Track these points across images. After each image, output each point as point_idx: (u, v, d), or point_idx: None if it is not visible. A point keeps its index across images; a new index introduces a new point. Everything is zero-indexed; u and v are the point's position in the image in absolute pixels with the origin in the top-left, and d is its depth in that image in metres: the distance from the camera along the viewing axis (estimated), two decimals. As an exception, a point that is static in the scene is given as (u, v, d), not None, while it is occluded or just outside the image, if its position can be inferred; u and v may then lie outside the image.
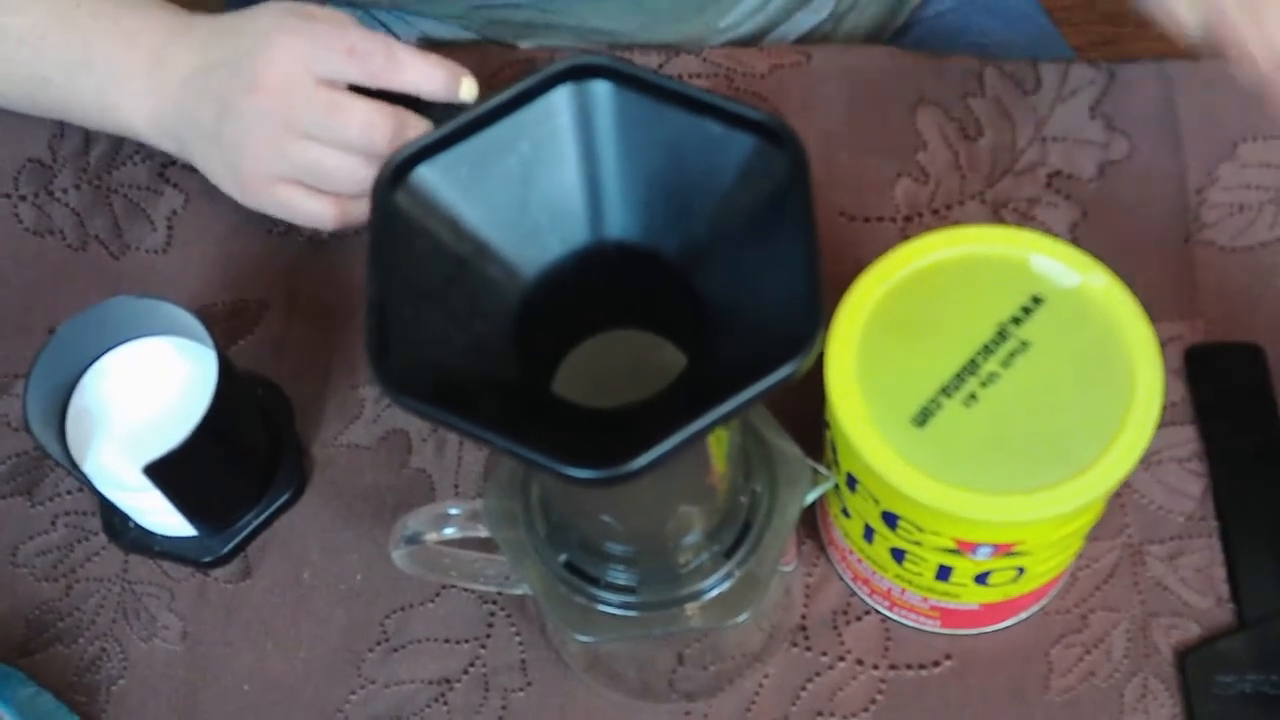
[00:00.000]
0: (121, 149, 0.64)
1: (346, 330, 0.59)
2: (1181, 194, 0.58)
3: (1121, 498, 0.53)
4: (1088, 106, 0.60)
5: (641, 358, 0.38)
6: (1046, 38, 0.74)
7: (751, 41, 0.69)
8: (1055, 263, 0.44)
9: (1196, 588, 0.52)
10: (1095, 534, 0.52)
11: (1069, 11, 1.29)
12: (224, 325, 0.59)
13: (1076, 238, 0.58)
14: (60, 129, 0.65)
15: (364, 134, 0.52)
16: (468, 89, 0.53)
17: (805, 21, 0.70)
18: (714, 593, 0.43)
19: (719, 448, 0.40)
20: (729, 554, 0.43)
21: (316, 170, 0.53)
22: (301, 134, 0.52)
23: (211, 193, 0.60)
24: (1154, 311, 0.56)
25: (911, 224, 0.59)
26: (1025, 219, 0.58)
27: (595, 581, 0.43)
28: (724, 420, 0.31)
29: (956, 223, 0.58)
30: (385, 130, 0.52)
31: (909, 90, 0.61)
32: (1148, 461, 0.54)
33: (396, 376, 0.31)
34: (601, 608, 0.44)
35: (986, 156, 0.60)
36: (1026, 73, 0.61)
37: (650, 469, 0.31)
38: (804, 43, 0.71)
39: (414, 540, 0.47)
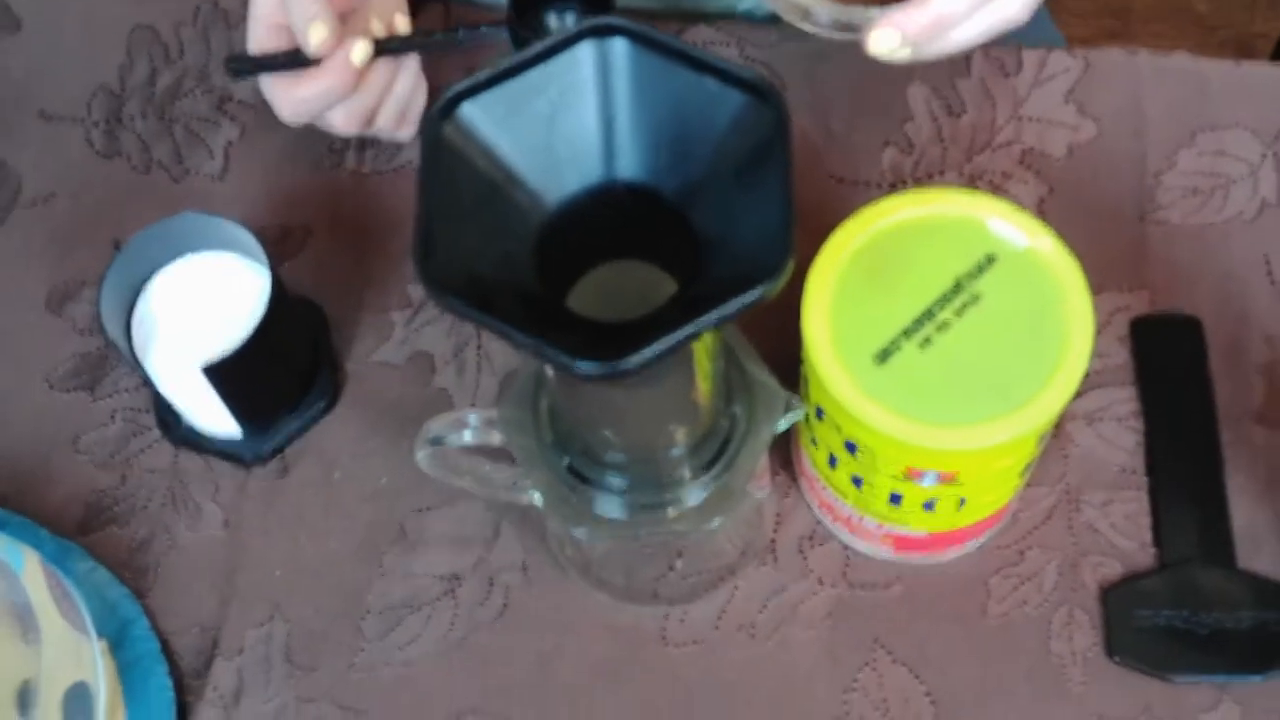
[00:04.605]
0: (184, 83, 0.68)
1: (381, 257, 0.64)
2: (1141, 176, 0.62)
3: (1064, 449, 0.58)
4: (1062, 91, 0.64)
5: (641, 284, 0.42)
6: (1038, 25, 0.78)
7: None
8: (1009, 226, 0.49)
9: (1124, 532, 0.56)
10: (1037, 479, 0.57)
11: (1079, 3, 1.34)
12: (272, 248, 0.63)
13: (1044, 211, 0.62)
14: (129, 59, 0.69)
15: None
16: (315, 34, 0.56)
17: None
18: (693, 500, 0.48)
19: (703, 367, 0.45)
20: (708, 467, 0.48)
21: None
22: None
23: (266, 126, 0.64)
24: (1107, 281, 0.61)
25: (895, 189, 0.63)
26: (998, 191, 0.62)
27: (592, 484, 0.48)
28: (706, 328, 0.36)
29: (935, 191, 0.63)
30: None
31: (902, 68, 0.64)
32: (1090, 417, 0.58)
33: (437, 279, 0.37)
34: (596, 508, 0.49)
35: (967, 132, 0.64)
36: (1010, 57, 0.65)
37: (643, 366, 0.36)
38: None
39: (436, 442, 0.51)
